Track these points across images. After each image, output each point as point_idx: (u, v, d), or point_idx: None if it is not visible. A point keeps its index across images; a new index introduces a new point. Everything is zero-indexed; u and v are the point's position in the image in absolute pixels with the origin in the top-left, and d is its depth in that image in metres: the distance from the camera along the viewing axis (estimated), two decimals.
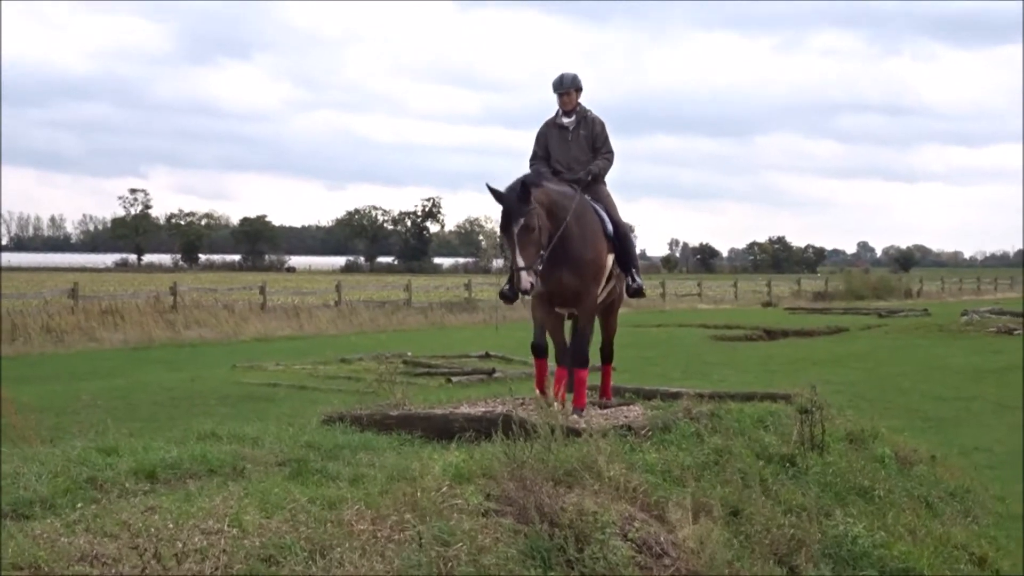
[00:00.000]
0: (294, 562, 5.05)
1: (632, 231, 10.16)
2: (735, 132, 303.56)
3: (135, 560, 4.50)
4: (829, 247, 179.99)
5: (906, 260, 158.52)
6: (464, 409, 9.33)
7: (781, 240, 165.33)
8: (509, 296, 8.68)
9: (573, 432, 8.01)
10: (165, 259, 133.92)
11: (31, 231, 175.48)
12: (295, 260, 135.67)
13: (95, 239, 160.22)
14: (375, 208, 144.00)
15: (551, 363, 9.76)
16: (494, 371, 21.28)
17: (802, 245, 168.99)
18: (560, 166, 9.60)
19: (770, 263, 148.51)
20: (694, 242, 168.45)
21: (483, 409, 8.95)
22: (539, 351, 9.24)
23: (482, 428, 8.14)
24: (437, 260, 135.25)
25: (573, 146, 9.64)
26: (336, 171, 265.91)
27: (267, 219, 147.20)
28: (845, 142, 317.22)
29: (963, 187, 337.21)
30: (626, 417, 9.21)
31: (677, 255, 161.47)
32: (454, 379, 20.02)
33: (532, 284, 8.29)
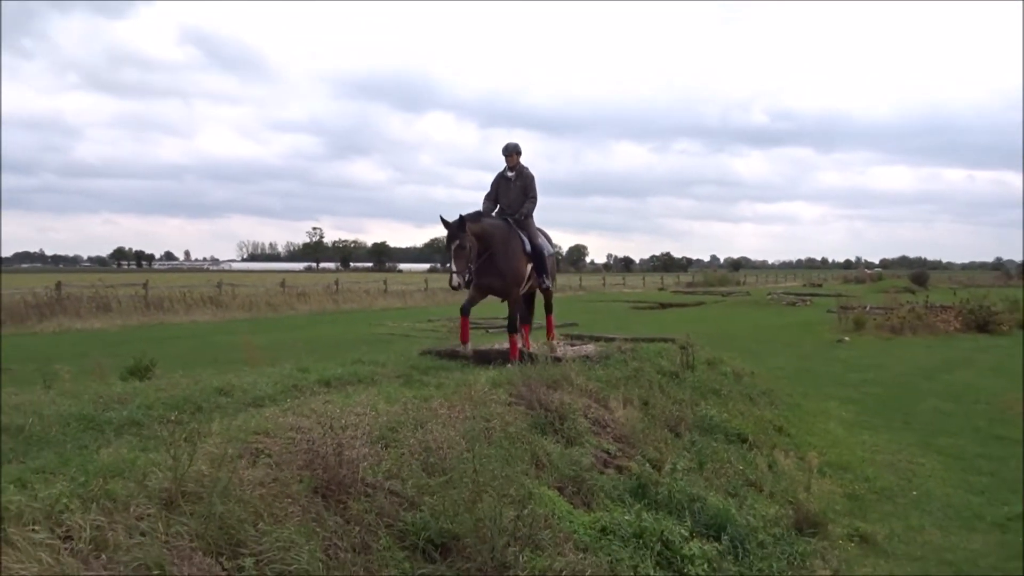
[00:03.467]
0: (406, 431, 5.03)
1: (550, 250, 9.18)
2: (638, 194, 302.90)
3: (319, 430, 4.48)
4: (694, 257, 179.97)
5: (736, 264, 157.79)
6: (496, 346, 9.30)
7: (667, 254, 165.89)
8: (452, 286, 7.69)
9: (556, 359, 7.99)
10: (331, 266, 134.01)
11: (259, 251, 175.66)
12: (402, 265, 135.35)
13: (293, 255, 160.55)
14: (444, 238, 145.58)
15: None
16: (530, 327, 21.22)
17: (679, 256, 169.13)
18: (503, 206, 8.74)
19: (662, 266, 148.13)
20: (620, 255, 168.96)
21: (507, 346, 8.92)
22: (464, 311, 8.41)
23: (506, 357, 8.15)
24: None
25: (512, 193, 8.70)
26: (420, 217, 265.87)
27: (386, 243, 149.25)
28: (698, 200, 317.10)
29: (765, 225, 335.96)
30: (585, 351, 9.17)
31: (611, 262, 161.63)
32: (490, 330, 19.95)
33: (459, 283, 7.61)
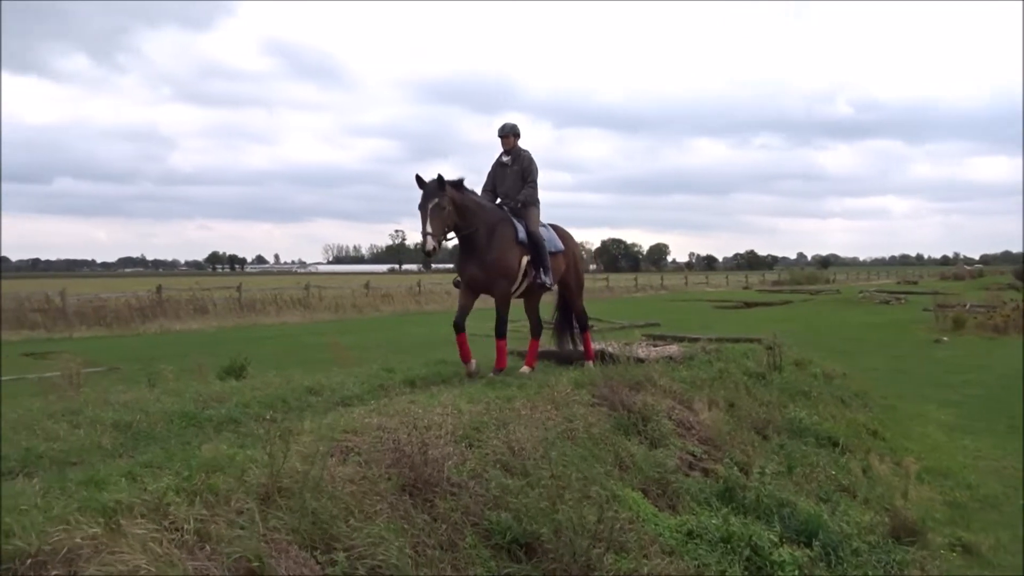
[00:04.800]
0: (488, 431, 5.08)
1: (557, 247, 7.91)
2: (718, 191, 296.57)
3: (405, 429, 4.58)
4: (780, 255, 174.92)
5: (825, 262, 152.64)
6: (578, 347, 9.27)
7: (751, 252, 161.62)
8: (425, 251, 6.72)
9: (639, 360, 7.92)
10: (413, 267, 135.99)
11: (343, 253, 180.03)
12: None
13: (377, 257, 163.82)
14: None
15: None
16: (592, 326, 21.06)
17: (764, 253, 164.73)
18: (500, 195, 7.70)
19: (746, 264, 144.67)
20: (703, 253, 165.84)
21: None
22: (458, 328, 7.33)
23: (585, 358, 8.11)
24: None
25: (508, 179, 7.67)
26: None
27: None
28: (782, 195, 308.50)
29: (854, 220, 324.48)
30: (668, 352, 9.05)
31: (693, 261, 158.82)
32: None
33: (433, 247, 6.64)
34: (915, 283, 55.38)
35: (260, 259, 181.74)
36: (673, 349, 9.39)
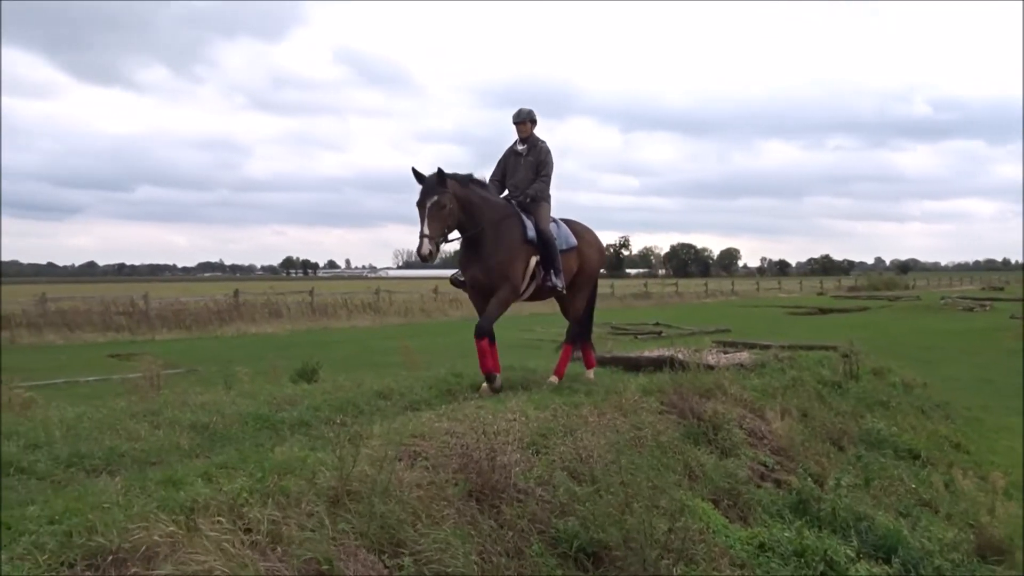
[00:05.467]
0: (556, 438, 5.05)
1: (571, 243, 7.15)
2: (790, 194, 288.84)
3: (472, 434, 4.58)
4: (856, 259, 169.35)
5: (904, 267, 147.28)
6: (646, 353, 9.16)
7: (826, 256, 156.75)
8: (421, 256, 6.07)
9: (709, 367, 7.77)
10: None
11: (413, 259, 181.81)
12: None
13: (445, 262, 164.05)
14: None
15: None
16: (661, 332, 20.87)
17: (840, 258, 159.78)
18: (510, 187, 7.06)
19: (821, 269, 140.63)
20: (775, 258, 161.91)
21: (657, 353, 8.79)
22: (480, 333, 6.56)
23: (656, 364, 8.00)
24: (628, 270, 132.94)
25: (521, 170, 7.01)
26: None
27: None
28: (857, 198, 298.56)
29: (935, 223, 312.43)
30: (739, 359, 8.86)
31: (765, 266, 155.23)
32: (638, 336, 19.71)
33: (430, 251, 5.99)
34: (1001, 289, 52.91)
35: (332, 264, 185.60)
36: (744, 356, 9.18)
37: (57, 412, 5.58)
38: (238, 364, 9.59)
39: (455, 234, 6.49)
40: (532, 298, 7.10)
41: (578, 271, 7.28)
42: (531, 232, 6.72)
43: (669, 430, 5.91)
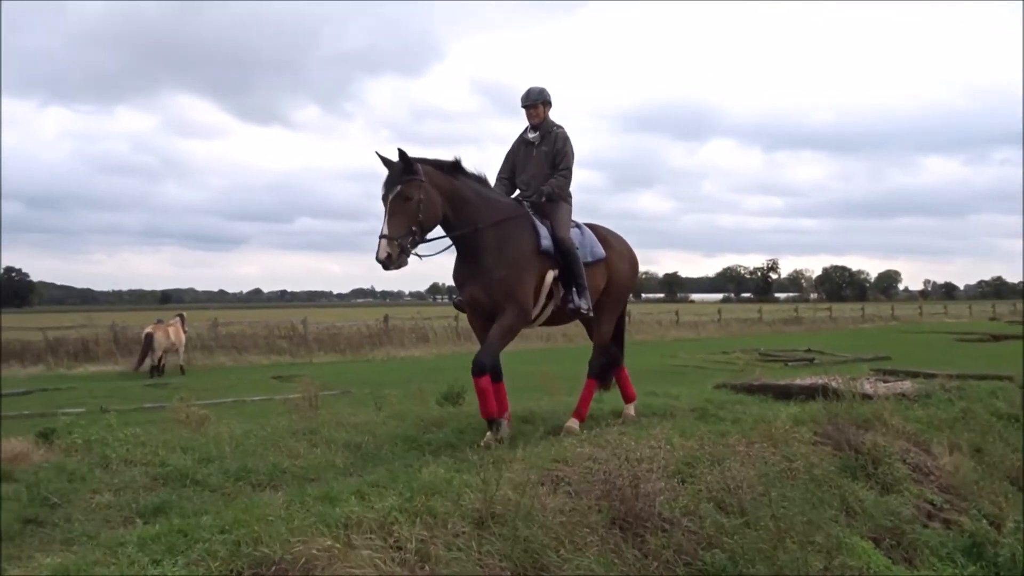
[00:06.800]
0: (702, 467, 4.91)
1: (598, 254, 5.94)
2: (954, 213, 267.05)
3: (615, 461, 4.53)
4: None
5: None
6: (797, 381, 8.73)
7: (999, 279, 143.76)
8: (378, 260, 4.77)
9: (866, 396, 7.32)
10: None
11: None
12: (694, 295, 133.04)
13: None
14: (739, 265, 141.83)
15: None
16: (813, 359, 19.84)
17: (1015, 280, 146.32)
18: (521, 184, 5.88)
19: (993, 293, 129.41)
20: (940, 280, 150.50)
21: (809, 381, 8.35)
22: (480, 368, 5.27)
23: (809, 393, 7.61)
24: (777, 294, 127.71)
25: (534, 163, 5.82)
26: (708, 246, 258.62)
27: (677, 273, 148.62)
28: None
29: None
30: (900, 388, 8.28)
31: (929, 289, 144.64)
32: (789, 363, 18.84)
33: (389, 255, 4.74)
34: None
35: None
36: (906, 386, 8.57)
37: (227, 429, 6.01)
38: (388, 387, 9.97)
39: (442, 238, 5.29)
40: (550, 322, 5.97)
41: (606, 288, 6.11)
42: (546, 240, 5.50)
43: (824, 462, 5.61)
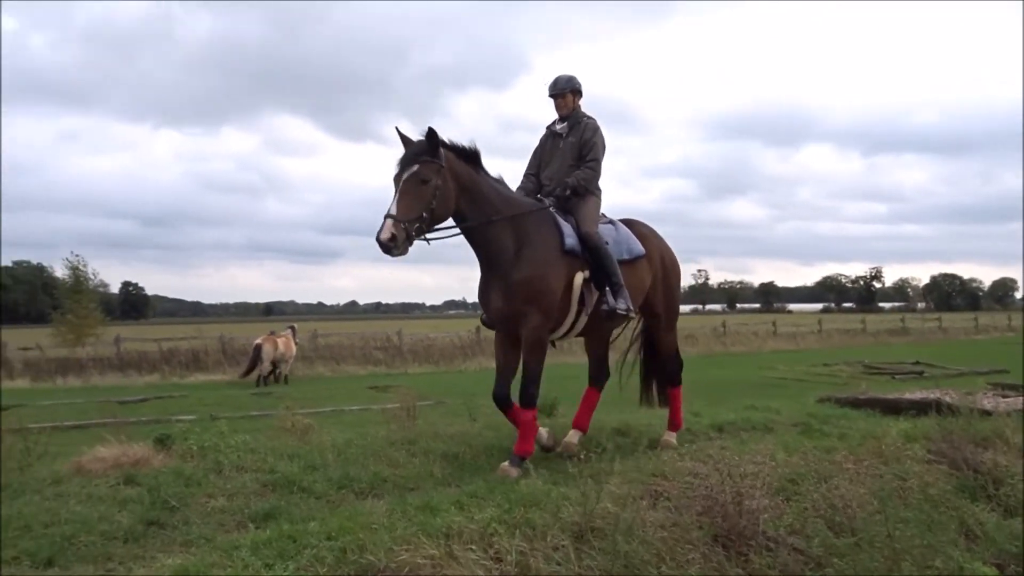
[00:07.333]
0: (807, 484, 4.73)
1: (636, 251, 5.42)
2: None
3: (716, 476, 4.42)
4: None
5: None
6: (907, 395, 8.32)
7: None
8: (380, 241, 4.26)
9: (984, 412, 6.90)
10: (717, 307, 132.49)
11: None
12: (792, 306, 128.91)
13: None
14: (839, 274, 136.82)
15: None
16: (923, 372, 18.87)
17: None
18: (545, 179, 5.40)
19: None
20: None
21: (920, 396, 7.95)
22: (499, 402, 4.96)
23: (920, 408, 7.26)
24: (881, 304, 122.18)
25: (560, 155, 5.36)
26: (805, 254, 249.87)
27: (774, 282, 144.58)
28: None
29: None
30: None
31: None
32: (896, 376, 17.98)
33: (393, 236, 4.25)
34: None
35: None
36: None
37: (329, 438, 6.18)
38: (480, 397, 10.04)
39: (452, 230, 4.80)
40: (585, 332, 5.39)
41: (653, 287, 5.63)
42: (571, 239, 4.99)
43: (939, 481, 5.30)
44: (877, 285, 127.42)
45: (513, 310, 4.83)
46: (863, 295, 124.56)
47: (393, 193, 4.47)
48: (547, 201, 5.17)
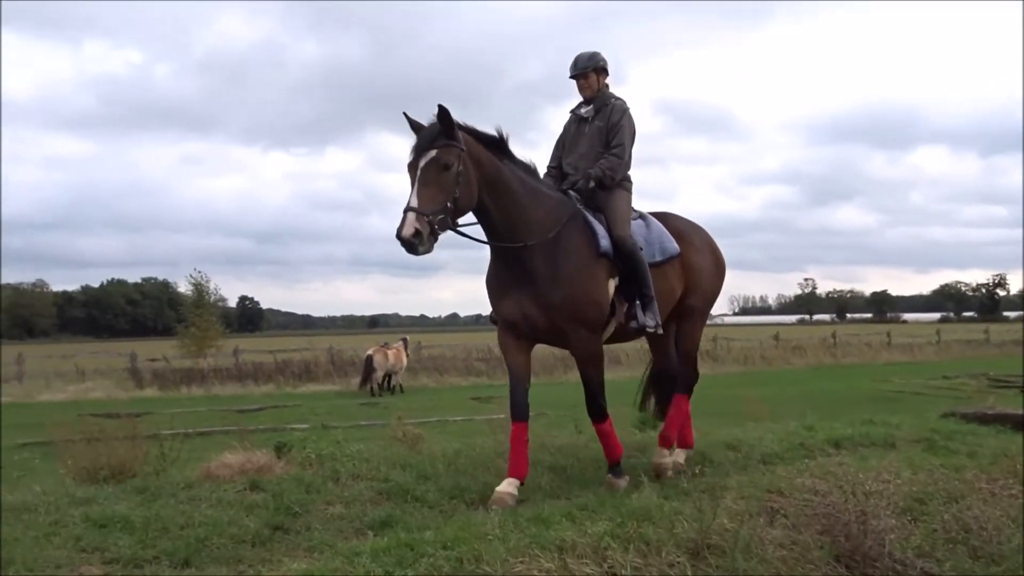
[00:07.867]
0: (935, 504, 4.47)
1: (671, 250, 4.98)
2: None
3: (838, 493, 4.23)
4: None
5: None
6: None
7: None
8: (400, 237, 3.84)
9: None
10: (826, 317, 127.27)
11: (749, 304, 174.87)
12: (907, 315, 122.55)
13: (784, 307, 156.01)
14: (958, 282, 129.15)
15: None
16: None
17: None
18: (568, 168, 4.93)
19: None
20: None
21: None
22: (516, 412, 4.64)
23: None
24: (1006, 313, 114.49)
25: (585, 140, 4.87)
26: (920, 261, 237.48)
27: (887, 291, 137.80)
28: None
29: None
30: None
31: None
32: None
33: (417, 232, 3.81)
34: None
35: None
36: None
37: (439, 448, 6.28)
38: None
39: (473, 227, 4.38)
40: (610, 340, 5.06)
41: (685, 293, 5.16)
42: (604, 240, 4.54)
43: None
44: (1001, 293, 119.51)
45: (553, 325, 4.50)
46: (986, 304, 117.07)
47: (410, 184, 4.04)
48: (573, 196, 4.73)
